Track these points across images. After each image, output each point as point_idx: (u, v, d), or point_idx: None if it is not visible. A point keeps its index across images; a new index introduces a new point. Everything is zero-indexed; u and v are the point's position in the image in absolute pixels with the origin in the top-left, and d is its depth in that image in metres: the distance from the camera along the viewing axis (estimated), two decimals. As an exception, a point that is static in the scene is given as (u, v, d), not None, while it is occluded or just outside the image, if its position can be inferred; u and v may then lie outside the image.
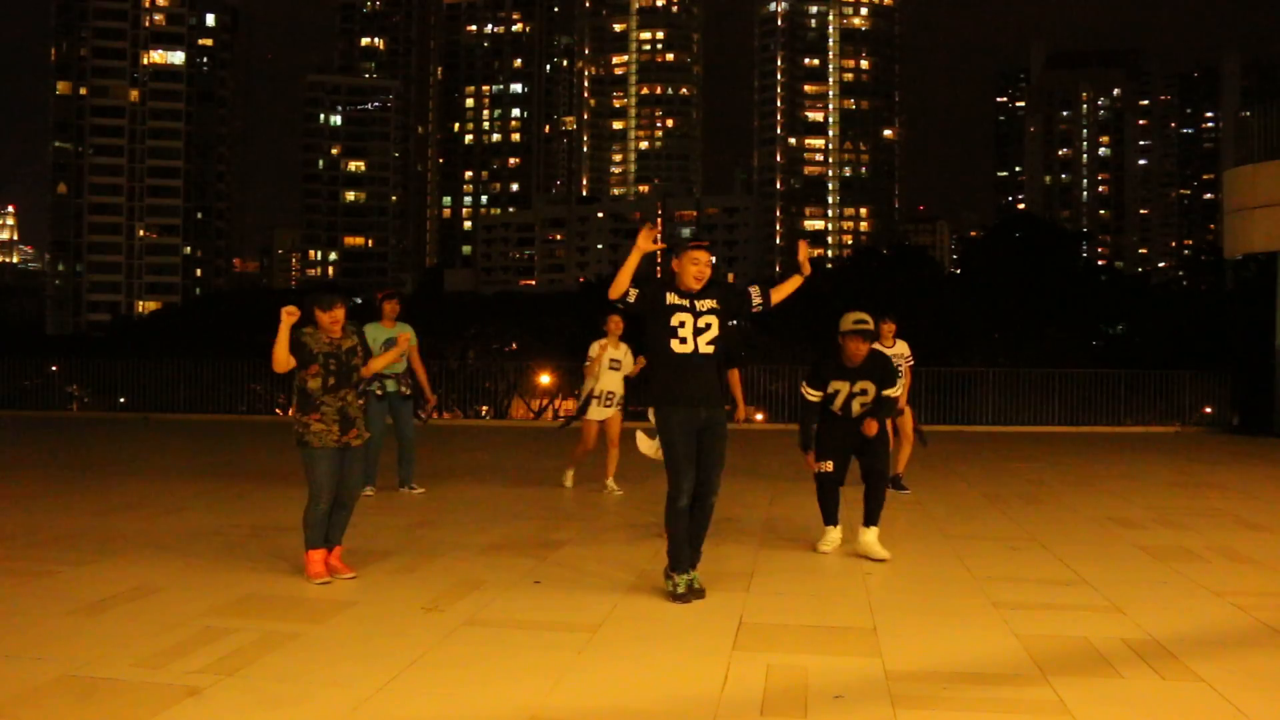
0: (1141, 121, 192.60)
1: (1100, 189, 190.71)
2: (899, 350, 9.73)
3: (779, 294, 5.85)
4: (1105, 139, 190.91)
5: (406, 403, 9.25)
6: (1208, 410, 20.07)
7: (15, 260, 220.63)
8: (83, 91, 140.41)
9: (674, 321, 5.52)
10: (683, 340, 5.53)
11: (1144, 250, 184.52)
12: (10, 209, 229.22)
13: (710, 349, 5.57)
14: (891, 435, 8.40)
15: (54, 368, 23.72)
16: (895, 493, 9.49)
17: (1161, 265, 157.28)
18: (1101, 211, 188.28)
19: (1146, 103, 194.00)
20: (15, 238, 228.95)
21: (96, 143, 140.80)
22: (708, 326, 5.55)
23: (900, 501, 9.19)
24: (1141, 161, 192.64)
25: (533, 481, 10.63)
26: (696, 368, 5.54)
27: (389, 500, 9.04)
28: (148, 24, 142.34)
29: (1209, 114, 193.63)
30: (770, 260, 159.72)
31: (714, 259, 5.86)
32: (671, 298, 5.54)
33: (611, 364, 9.51)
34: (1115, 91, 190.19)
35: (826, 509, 7.02)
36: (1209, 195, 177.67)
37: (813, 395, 6.77)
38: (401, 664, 4.48)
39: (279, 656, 4.59)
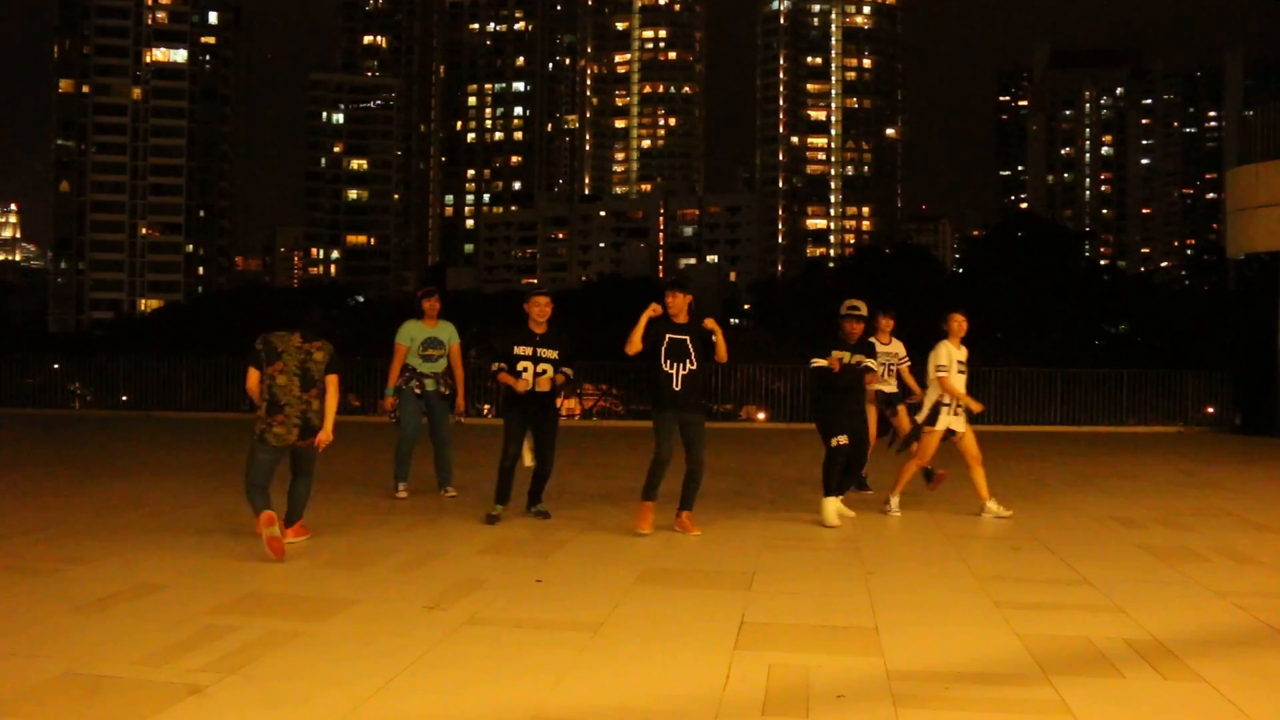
0: (1144, 120, 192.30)
1: (1103, 188, 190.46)
2: (894, 349, 9.51)
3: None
4: (1108, 138, 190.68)
5: (444, 403, 9.05)
6: (1210, 410, 20.03)
7: (18, 258, 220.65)
8: (85, 89, 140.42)
9: (519, 366, 7.79)
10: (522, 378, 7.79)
11: (1146, 250, 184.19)
12: (13, 207, 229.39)
13: (546, 386, 7.81)
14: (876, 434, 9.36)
15: (56, 366, 23.73)
16: (861, 493, 9.42)
17: (1164, 265, 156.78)
18: (1104, 211, 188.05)
19: (1149, 102, 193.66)
20: (18, 235, 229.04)
21: (99, 141, 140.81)
22: (544, 371, 7.79)
23: (901, 501, 9.12)
24: (1144, 161, 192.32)
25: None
26: (533, 397, 7.85)
27: (389, 500, 9.02)
28: (150, 22, 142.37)
29: (1212, 113, 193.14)
30: (772, 259, 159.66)
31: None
32: (518, 349, 7.80)
33: (959, 367, 8.29)
34: (1118, 91, 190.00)
35: (832, 481, 7.93)
36: (1212, 195, 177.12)
37: (819, 362, 7.93)
38: (403, 663, 4.49)
39: (281, 655, 4.60)
